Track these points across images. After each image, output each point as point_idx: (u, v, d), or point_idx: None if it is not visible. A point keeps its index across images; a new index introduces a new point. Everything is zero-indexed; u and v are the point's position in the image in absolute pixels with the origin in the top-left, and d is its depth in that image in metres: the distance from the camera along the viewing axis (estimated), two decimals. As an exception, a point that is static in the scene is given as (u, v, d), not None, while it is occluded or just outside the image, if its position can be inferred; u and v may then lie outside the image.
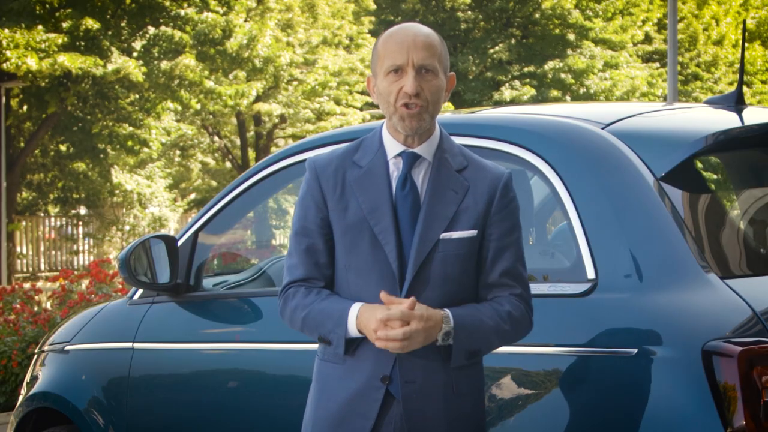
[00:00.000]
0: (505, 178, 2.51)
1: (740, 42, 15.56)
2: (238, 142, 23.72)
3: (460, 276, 2.47)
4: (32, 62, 13.64)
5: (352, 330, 2.42)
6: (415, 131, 2.47)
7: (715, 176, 3.20)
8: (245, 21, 17.11)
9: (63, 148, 18.77)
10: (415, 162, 2.49)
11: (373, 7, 22.39)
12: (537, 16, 23.41)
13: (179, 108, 17.76)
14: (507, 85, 22.80)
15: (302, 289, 2.53)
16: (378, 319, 2.33)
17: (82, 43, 14.67)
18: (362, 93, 20.76)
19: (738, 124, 3.10)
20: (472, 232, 2.47)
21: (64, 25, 14.47)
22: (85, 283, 8.77)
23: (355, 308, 2.42)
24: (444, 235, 2.45)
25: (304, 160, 3.41)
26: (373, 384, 2.45)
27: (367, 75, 2.58)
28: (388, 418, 2.45)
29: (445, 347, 2.42)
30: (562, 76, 22.61)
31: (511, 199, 2.51)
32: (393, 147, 2.51)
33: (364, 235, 2.46)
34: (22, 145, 18.00)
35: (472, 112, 3.54)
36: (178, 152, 24.14)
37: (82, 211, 21.40)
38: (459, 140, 3.00)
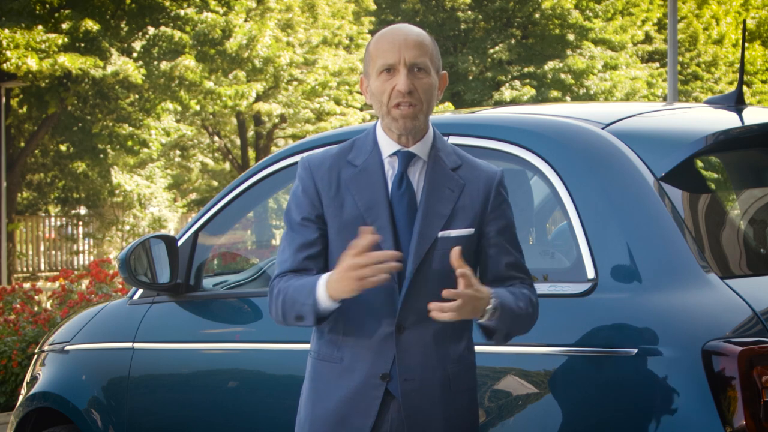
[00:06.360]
0: (499, 176, 2.54)
1: (740, 42, 15.55)
2: (238, 142, 23.71)
3: None
4: (32, 62, 13.63)
5: (322, 297, 2.36)
6: (409, 131, 2.47)
7: (715, 176, 3.20)
8: (245, 21, 17.10)
9: (63, 148, 18.76)
10: (410, 161, 2.50)
11: (373, 7, 22.38)
12: (537, 16, 23.37)
13: (179, 108, 17.75)
14: (507, 85, 22.77)
15: (286, 276, 2.48)
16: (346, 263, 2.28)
17: (82, 44, 14.67)
18: (362, 93, 20.71)
19: (738, 124, 3.10)
20: (470, 230, 2.48)
21: (64, 26, 14.46)
22: (85, 283, 8.77)
23: (324, 276, 2.37)
24: (442, 233, 2.45)
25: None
26: (373, 382, 2.45)
27: (360, 76, 2.58)
28: (387, 416, 2.45)
29: (483, 326, 2.41)
30: (562, 76, 22.59)
31: (505, 197, 2.55)
32: (388, 146, 2.51)
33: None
34: (22, 145, 18.00)
35: (472, 112, 3.54)
36: (178, 152, 24.13)
37: (82, 211, 21.39)
38: (459, 140, 3.00)
